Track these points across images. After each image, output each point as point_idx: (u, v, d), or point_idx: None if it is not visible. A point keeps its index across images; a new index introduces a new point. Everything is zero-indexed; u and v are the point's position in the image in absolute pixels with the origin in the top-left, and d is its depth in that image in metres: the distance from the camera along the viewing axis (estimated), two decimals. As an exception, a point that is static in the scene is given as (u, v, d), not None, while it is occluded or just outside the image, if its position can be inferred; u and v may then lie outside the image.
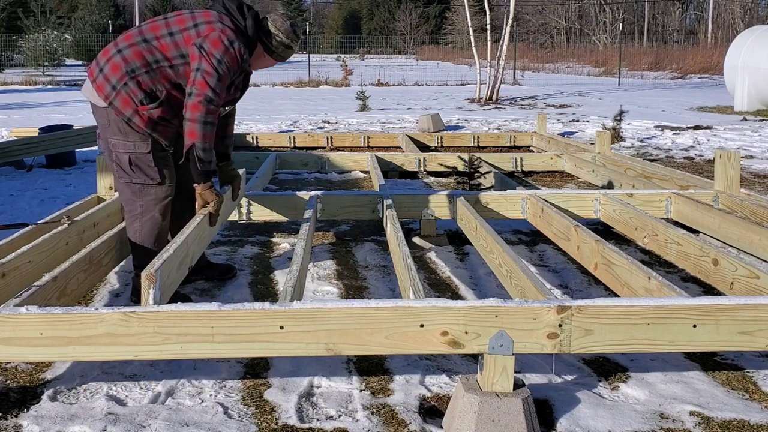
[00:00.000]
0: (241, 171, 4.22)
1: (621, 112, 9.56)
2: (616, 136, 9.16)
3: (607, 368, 2.77)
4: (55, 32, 28.99)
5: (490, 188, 5.76)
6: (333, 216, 4.55)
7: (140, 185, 3.27)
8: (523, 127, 10.98)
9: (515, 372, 2.30)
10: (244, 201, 4.46)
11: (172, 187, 3.36)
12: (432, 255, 4.29)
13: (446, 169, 6.61)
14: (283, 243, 4.55)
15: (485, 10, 16.73)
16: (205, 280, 3.75)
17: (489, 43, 16.65)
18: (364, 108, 13.70)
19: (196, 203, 3.25)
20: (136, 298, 3.33)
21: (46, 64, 27.82)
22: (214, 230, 3.56)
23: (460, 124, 11.52)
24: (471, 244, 4.10)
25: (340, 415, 2.40)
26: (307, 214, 3.99)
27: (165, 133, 3.27)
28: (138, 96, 3.14)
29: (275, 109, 14.09)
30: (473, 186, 5.67)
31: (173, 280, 2.68)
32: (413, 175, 6.99)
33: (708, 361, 2.83)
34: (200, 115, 3.03)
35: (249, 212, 4.50)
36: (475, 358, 2.62)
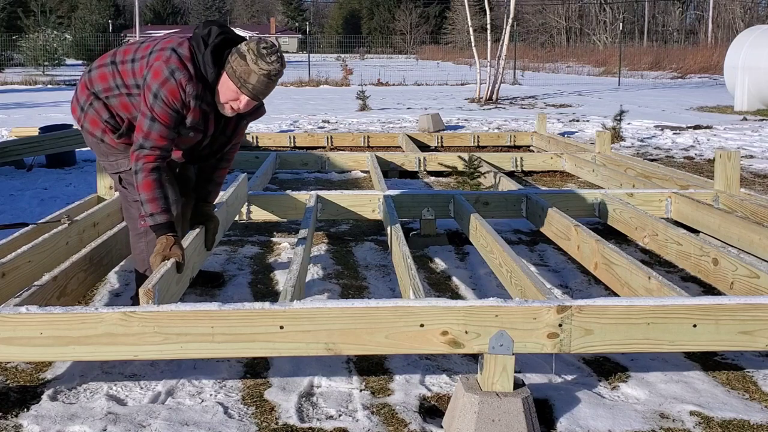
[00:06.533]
0: (241, 175, 4.20)
1: (621, 112, 9.56)
2: (616, 135, 9.16)
3: (607, 368, 2.77)
4: (55, 32, 29.00)
5: (490, 188, 5.76)
6: (333, 216, 4.55)
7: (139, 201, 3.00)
8: (523, 127, 10.98)
9: (515, 372, 2.30)
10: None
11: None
12: (432, 255, 4.29)
13: (446, 169, 6.61)
14: (283, 243, 4.55)
15: (485, 10, 16.73)
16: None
17: (489, 43, 16.65)
18: (364, 108, 13.70)
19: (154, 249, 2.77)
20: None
21: (46, 63, 27.83)
22: (216, 239, 3.49)
23: (460, 124, 11.52)
24: (471, 244, 4.10)
25: (340, 415, 2.40)
26: (307, 213, 4.00)
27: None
28: (103, 115, 2.95)
29: (275, 108, 14.08)
30: (473, 186, 5.67)
31: (173, 293, 2.64)
32: (413, 175, 6.99)
33: (708, 361, 2.83)
34: (132, 165, 2.75)
35: (249, 212, 4.50)
36: (475, 358, 2.61)
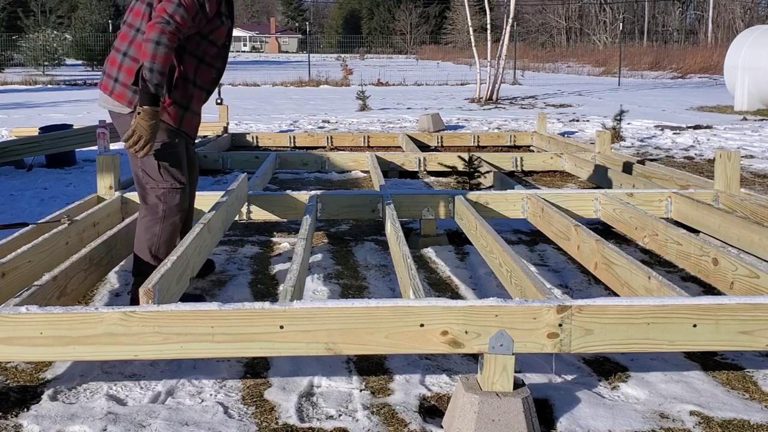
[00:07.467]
0: (241, 175, 4.27)
1: (621, 112, 9.56)
2: (616, 135, 9.16)
3: (607, 368, 2.77)
4: (55, 32, 28.98)
5: (490, 188, 5.76)
6: (333, 216, 4.55)
7: (166, 190, 3.18)
8: (523, 127, 10.98)
9: (515, 371, 2.30)
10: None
11: (188, 197, 3.33)
12: (432, 255, 4.29)
13: (446, 169, 6.61)
14: (283, 243, 4.55)
15: (485, 10, 16.73)
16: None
17: (489, 43, 16.65)
18: (364, 108, 13.70)
19: (130, 128, 2.97)
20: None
21: (46, 63, 27.81)
22: (216, 239, 3.54)
23: (460, 124, 11.52)
24: (471, 244, 4.10)
25: (340, 415, 2.40)
26: (307, 213, 3.99)
27: (191, 125, 3.25)
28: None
29: (275, 108, 14.09)
30: (473, 186, 5.67)
31: (173, 293, 2.65)
32: (413, 175, 6.99)
33: (708, 361, 2.83)
34: (153, 35, 2.87)
35: (249, 212, 4.51)
36: (475, 358, 2.61)
